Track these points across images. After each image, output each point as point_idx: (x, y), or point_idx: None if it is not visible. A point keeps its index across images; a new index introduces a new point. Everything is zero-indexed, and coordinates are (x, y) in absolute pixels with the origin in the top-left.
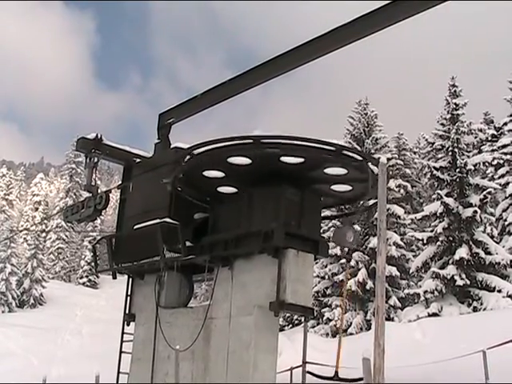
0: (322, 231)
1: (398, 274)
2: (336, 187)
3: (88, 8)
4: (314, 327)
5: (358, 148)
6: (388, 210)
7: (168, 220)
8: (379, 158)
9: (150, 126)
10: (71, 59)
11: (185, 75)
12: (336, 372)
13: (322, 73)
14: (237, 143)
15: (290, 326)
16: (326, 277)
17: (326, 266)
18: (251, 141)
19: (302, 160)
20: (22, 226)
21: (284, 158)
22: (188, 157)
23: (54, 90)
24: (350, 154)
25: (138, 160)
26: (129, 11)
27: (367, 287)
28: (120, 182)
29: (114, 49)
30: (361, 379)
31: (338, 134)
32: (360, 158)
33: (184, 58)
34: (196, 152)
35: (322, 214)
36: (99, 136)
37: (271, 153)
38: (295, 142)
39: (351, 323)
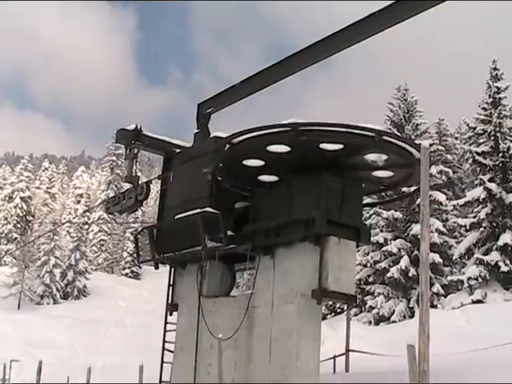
0: (363, 218)
1: (441, 260)
2: (377, 173)
3: (130, 6)
4: (356, 315)
5: (398, 134)
6: (430, 196)
7: (209, 209)
8: (420, 144)
9: (192, 119)
10: (114, 56)
11: (225, 68)
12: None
13: (361, 60)
14: (276, 131)
15: (333, 314)
16: (368, 264)
17: (367, 254)
18: (290, 128)
19: (341, 146)
20: (64, 218)
21: (323, 145)
22: (228, 146)
23: (96, 86)
24: (390, 139)
25: (178, 150)
26: (169, 7)
27: (410, 274)
28: (160, 173)
29: (156, 45)
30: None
31: (378, 120)
32: (400, 144)
33: (224, 51)
34: (235, 141)
35: (364, 202)
36: (139, 127)
37: (310, 140)
38: (334, 129)
39: (394, 311)
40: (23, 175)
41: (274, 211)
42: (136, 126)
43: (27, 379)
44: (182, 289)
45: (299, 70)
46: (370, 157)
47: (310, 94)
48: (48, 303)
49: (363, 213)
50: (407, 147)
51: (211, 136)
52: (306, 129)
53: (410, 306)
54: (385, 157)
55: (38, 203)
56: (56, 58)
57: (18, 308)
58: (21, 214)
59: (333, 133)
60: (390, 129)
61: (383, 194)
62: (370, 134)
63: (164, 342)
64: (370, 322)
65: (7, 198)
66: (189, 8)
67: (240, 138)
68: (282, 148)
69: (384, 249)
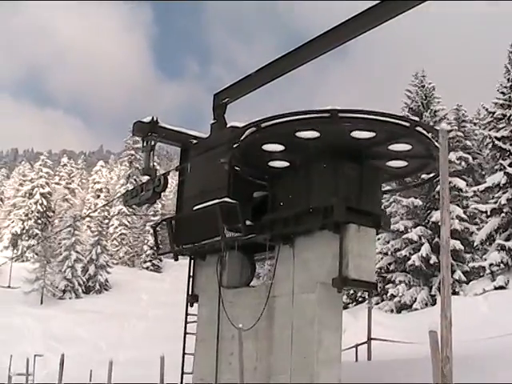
0: (383, 206)
1: (462, 247)
2: (397, 162)
3: (145, 2)
4: (378, 304)
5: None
6: (450, 183)
7: (227, 199)
8: (437, 129)
9: (209, 111)
10: (131, 52)
11: (241, 59)
12: None
13: (377, 48)
14: (311, 117)
15: (355, 303)
16: (389, 253)
17: (388, 242)
18: (328, 114)
19: (373, 135)
20: (84, 213)
21: (355, 133)
22: (253, 129)
23: (114, 81)
24: (422, 130)
25: (195, 141)
26: (183, 2)
27: (431, 262)
28: (178, 165)
29: (172, 39)
30: None
31: (396, 108)
32: (429, 135)
33: (240, 43)
34: (263, 125)
35: (383, 188)
36: (155, 119)
37: (343, 127)
38: (371, 117)
39: (416, 299)
40: (43, 171)
41: (293, 200)
42: (152, 118)
43: (51, 373)
44: (202, 280)
45: (314, 58)
46: (394, 146)
47: (326, 84)
48: (70, 298)
49: (383, 200)
50: (434, 139)
51: (228, 126)
52: (345, 116)
53: (432, 293)
54: (409, 147)
55: (57, 199)
56: (74, 54)
57: (41, 303)
58: (41, 210)
59: (369, 121)
60: (407, 116)
61: (402, 180)
62: (404, 123)
63: (185, 333)
64: (391, 311)
65: (27, 195)
66: (202, 4)
67: (269, 123)
68: (311, 134)
69: (404, 236)
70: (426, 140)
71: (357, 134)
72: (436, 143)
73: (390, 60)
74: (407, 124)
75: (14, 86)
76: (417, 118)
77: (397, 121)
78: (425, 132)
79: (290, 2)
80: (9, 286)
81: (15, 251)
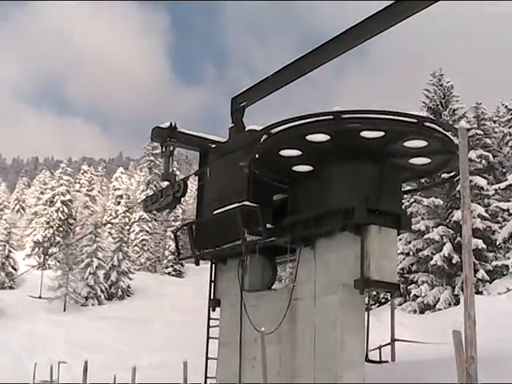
0: (403, 207)
1: (485, 246)
2: (415, 160)
3: (161, 6)
4: (400, 304)
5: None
6: (470, 181)
7: (247, 203)
8: (456, 128)
9: (228, 115)
10: (148, 57)
11: (259, 63)
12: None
13: (395, 48)
14: (316, 120)
15: (377, 304)
16: (411, 253)
17: (409, 242)
18: (332, 117)
19: (382, 134)
20: (105, 220)
21: (364, 133)
22: (265, 136)
23: (132, 87)
24: (432, 125)
25: (214, 146)
26: (200, 5)
27: (453, 261)
28: (197, 170)
29: (189, 43)
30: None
31: (415, 107)
32: (441, 130)
33: (257, 46)
34: (274, 131)
35: (403, 189)
36: (173, 124)
37: (352, 128)
38: (376, 116)
39: (439, 299)
40: (63, 179)
41: (313, 202)
42: (170, 124)
43: (75, 380)
44: (224, 284)
45: (332, 59)
46: (410, 144)
47: (345, 84)
48: (93, 304)
49: (403, 201)
50: (448, 134)
51: (246, 129)
52: (348, 117)
53: (455, 293)
54: (425, 143)
55: (78, 206)
56: (91, 62)
57: (64, 310)
58: (62, 218)
59: (374, 120)
60: (426, 115)
61: (422, 180)
62: (411, 120)
63: (208, 337)
64: (414, 311)
65: (48, 203)
66: (220, 5)
67: (279, 128)
68: (322, 137)
69: (426, 236)
70: (439, 135)
71: (366, 133)
72: (452, 137)
73: (408, 60)
74: (414, 120)
75: (34, 94)
76: (430, 116)
77: (403, 118)
78: (437, 127)
79: (307, 3)
80: (40, 297)
81: (47, 258)
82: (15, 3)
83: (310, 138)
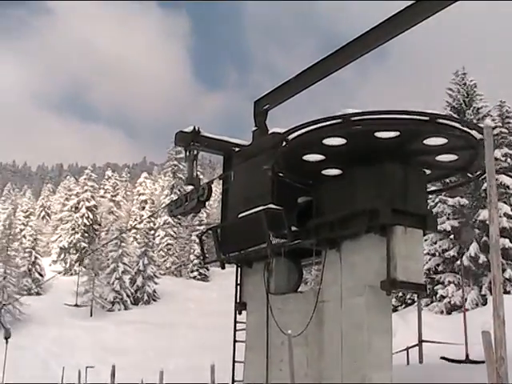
0: (429, 207)
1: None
2: (439, 158)
3: (182, 10)
4: (427, 305)
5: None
6: (496, 180)
7: (272, 206)
8: (478, 125)
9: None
10: (170, 62)
11: (281, 66)
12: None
13: (418, 47)
14: (328, 124)
15: (404, 305)
16: (437, 253)
17: (435, 243)
18: (340, 120)
19: (397, 134)
20: (130, 225)
21: (379, 134)
22: (284, 143)
23: (155, 92)
24: (445, 121)
25: (237, 149)
26: (221, 10)
27: (480, 261)
28: (221, 173)
29: (210, 47)
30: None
31: (438, 107)
32: (457, 125)
33: (279, 49)
34: (291, 137)
35: (428, 189)
36: (197, 128)
37: (364, 130)
38: (386, 116)
39: (466, 299)
40: (87, 185)
41: (338, 204)
42: (194, 128)
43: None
44: (250, 287)
45: (354, 60)
46: (430, 141)
47: (368, 85)
48: (119, 309)
49: (428, 201)
50: (465, 128)
51: (269, 132)
52: (357, 119)
53: (482, 293)
54: (444, 140)
55: (103, 212)
56: (114, 68)
57: (91, 315)
58: (87, 224)
59: (386, 120)
60: (450, 114)
61: (447, 180)
62: (423, 118)
63: (235, 341)
64: (441, 312)
65: (73, 209)
66: (241, 8)
67: (295, 134)
68: (339, 141)
69: (452, 237)
70: (457, 131)
71: (381, 134)
72: (472, 132)
73: (431, 59)
74: (426, 118)
75: (58, 102)
76: (453, 115)
77: (416, 117)
78: (452, 123)
79: (328, 4)
80: (76, 305)
81: (81, 264)
82: (37, 12)
83: (327, 141)
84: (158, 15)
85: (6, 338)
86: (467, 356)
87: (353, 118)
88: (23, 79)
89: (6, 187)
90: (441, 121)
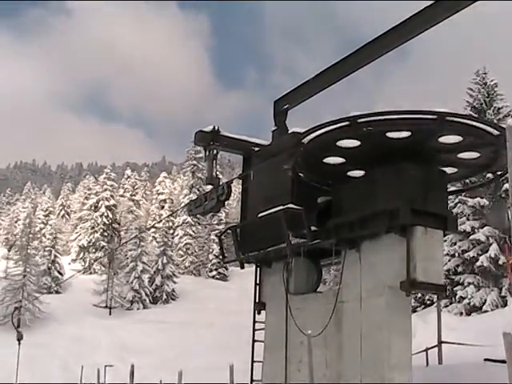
0: (449, 207)
1: None
2: (462, 155)
3: (202, 11)
4: (447, 306)
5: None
6: None
7: (291, 206)
8: (494, 122)
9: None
10: (190, 62)
11: (301, 66)
12: None
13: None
14: (339, 126)
15: (423, 306)
16: (456, 254)
17: (455, 244)
18: (348, 122)
19: (408, 134)
20: (149, 224)
21: (390, 134)
22: (302, 144)
23: (174, 92)
24: (456, 119)
25: (257, 149)
26: (241, 9)
27: (500, 262)
28: (240, 173)
29: (230, 47)
30: None
31: (458, 107)
32: (469, 122)
33: (299, 50)
34: (307, 139)
35: (448, 189)
36: (216, 128)
37: (374, 131)
38: (394, 117)
39: (486, 300)
40: (107, 184)
41: (357, 204)
42: (213, 127)
43: (121, 382)
44: (269, 287)
45: (374, 60)
46: (445, 140)
47: (387, 86)
48: (138, 308)
49: (448, 201)
50: (479, 125)
51: (289, 132)
52: (364, 120)
53: (502, 294)
54: (459, 138)
55: (122, 211)
56: (133, 68)
57: (110, 314)
58: (107, 223)
59: (394, 121)
60: (470, 114)
61: (467, 180)
62: (431, 116)
63: (253, 340)
64: (461, 313)
65: (93, 208)
66: (260, 9)
67: (310, 137)
68: (352, 142)
69: (472, 237)
70: (471, 128)
71: (392, 134)
72: (488, 129)
73: (451, 59)
74: (434, 116)
75: (78, 102)
76: (472, 114)
77: (425, 116)
78: (463, 120)
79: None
80: (106, 306)
81: (111, 267)
82: (57, 13)
83: (341, 144)
84: (177, 15)
85: (19, 340)
86: None
87: (360, 120)
88: (43, 79)
89: (26, 186)
90: (450, 118)
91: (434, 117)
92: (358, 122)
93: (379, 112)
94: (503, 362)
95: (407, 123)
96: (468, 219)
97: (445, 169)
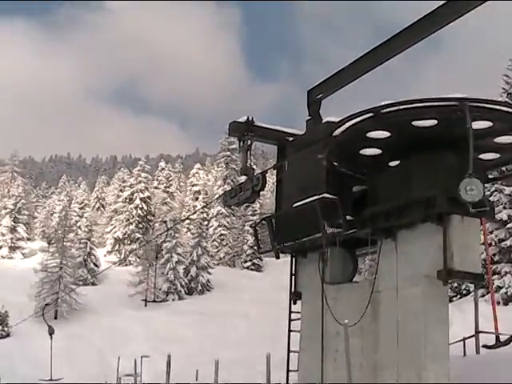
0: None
1: None
2: (498, 140)
3: (234, 4)
4: (483, 296)
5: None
6: None
7: (326, 195)
8: None
9: (305, 110)
10: (223, 54)
11: (334, 56)
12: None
13: (471, 35)
14: (364, 118)
15: (459, 296)
16: (493, 243)
17: (491, 232)
18: (372, 114)
19: (435, 122)
20: (184, 216)
21: (416, 123)
22: (334, 135)
23: (208, 84)
24: (480, 104)
25: (291, 139)
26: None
27: None
28: (275, 163)
29: (263, 39)
30: None
31: (494, 94)
32: (495, 107)
33: (332, 39)
34: (338, 131)
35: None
36: (250, 118)
37: (400, 121)
38: (419, 105)
39: None
40: (141, 176)
41: (393, 193)
42: (248, 118)
43: (158, 373)
44: (305, 277)
45: (407, 48)
46: (475, 125)
47: (420, 75)
48: (173, 299)
49: (486, 189)
50: (506, 109)
51: (323, 121)
52: (387, 111)
53: None
54: (489, 123)
55: (157, 203)
56: (167, 60)
57: (145, 305)
58: (141, 215)
59: (419, 109)
60: (506, 101)
61: (503, 168)
62: (454, 103)
63: (289, 331)
64: (498, 303)
65: (128, 200)
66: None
67: (341, 129)
68: (382, 133)
69: (509, 226)
70: (499, 113)
71: (419, 123)
72: None
73: (487, 46)
74: (455, 103)
75: (112, 95)
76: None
77: (448, 103)
78: (490, 105)
79: None
80: (154, 301)
81: (157, 262)
82: (94, 11)
83: (370, 135)
84: (209, 7)
85: (51, 334)
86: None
87: (383, 111)
88: (79, 73)
89: (62, 179)
90: (473, 104)
91: (456, 103)
92: (382, 112)
93: (402, 101)
94: None
95: (431, 111)
96: (505, 208)
97: (482, 156)
